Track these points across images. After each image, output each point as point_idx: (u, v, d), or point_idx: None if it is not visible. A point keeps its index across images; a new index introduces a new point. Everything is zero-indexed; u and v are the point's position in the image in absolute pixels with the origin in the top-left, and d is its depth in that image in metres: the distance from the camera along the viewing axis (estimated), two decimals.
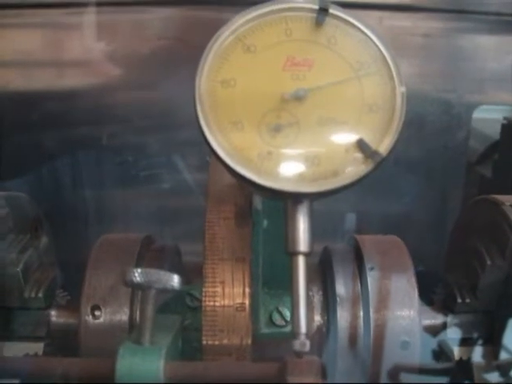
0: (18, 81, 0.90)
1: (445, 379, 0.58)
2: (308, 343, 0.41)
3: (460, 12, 0.93)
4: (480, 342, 0.59)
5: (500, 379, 0.55)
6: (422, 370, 0.56)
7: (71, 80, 0.90)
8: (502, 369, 0.55)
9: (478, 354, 0.58)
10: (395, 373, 0.55)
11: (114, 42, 0.90)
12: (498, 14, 0.92)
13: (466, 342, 0.59)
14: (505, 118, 0.85)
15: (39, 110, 0.88)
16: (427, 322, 0.59)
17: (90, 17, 0.88)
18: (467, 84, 0.93)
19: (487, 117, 0.93)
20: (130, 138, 0.92)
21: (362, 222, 0.88)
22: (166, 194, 0.95)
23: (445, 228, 0.93)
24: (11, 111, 0.88)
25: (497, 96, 0.94)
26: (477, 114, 0.92)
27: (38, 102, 0.89)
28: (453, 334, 0.60)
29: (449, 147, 0.93)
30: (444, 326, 0.60)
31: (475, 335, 0.60)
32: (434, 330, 0.60)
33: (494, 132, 0.87)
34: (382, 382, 0.55)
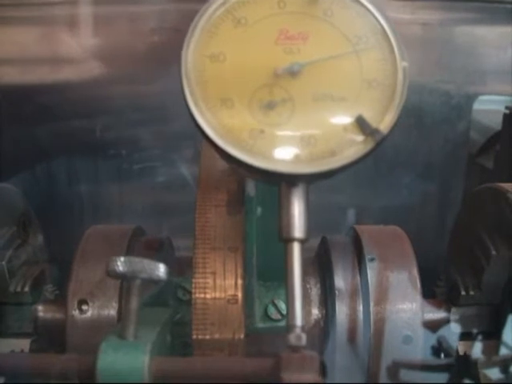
0: (11, 74, 0.88)
1: (446, 375, 0.56)
2: (304, 337, 0.39)
3: (459, 0, 0.91)
4: (485, 336, 0.57)
5: (501, 375, 0.53)
6: (423, 366, 0.55)
7: (64, 73, 0.88)
8: (503, 365, 0.53)
9: (482, 349, 0.56)
10: (395, 369, 0.53)
11: (108, 34, 0.88)
12: (498, 1, 0.90)
13: (471, 336, 0.58)
14: (507, 108, 0.83)
15: (32, 103, 0.86)
16: (430, 315, 0.57)
17: (83, 9, 0.86)
18: (467, 75, 0.91)
19: (488, 108, 0.91)
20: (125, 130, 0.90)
21: (361, 214, 0.87)
22: (161, 188, 0.93)
23: (446, 220, 0.92)
24: (4, 104, 0.86)
25: (497, 87, 0.92)
26: (477, 106, 0.90)
27: (31, 95, 0.86)
28: (456, 328, 0.58)
29: (449, 138, 0.91)
30: (447, 320, 0.58)
31: (480, 329, 0.58)
32: (436, 324, 0.57)
33: (495, 123, 0.85)
34: (382, 378, 0.53)
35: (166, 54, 0.86)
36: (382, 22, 0.42)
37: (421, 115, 0.89)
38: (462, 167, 0.93)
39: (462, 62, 0.91)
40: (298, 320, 0.39)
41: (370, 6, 0.43)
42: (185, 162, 0.89)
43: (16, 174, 0.84)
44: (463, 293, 0.58)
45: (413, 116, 0.88)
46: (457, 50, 0.91)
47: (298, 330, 0.39)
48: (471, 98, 0.90)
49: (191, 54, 0.41)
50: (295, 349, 0.38)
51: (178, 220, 0.88)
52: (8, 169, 0.80)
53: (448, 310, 0.58)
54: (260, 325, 0.54)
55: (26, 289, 0.58)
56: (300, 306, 0.39)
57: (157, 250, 0.60)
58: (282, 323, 0.54)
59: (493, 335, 0.57)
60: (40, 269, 0.62)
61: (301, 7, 0.43)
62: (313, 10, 0.43)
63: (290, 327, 0.39)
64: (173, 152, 0.91)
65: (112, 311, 0.54)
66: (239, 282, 0.47)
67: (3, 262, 0.57)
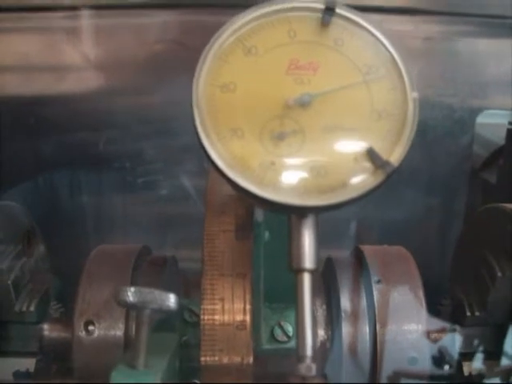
0: (13, 85, 0.88)
1: None
2: (314, 367, 0.39)
3: (462, 15, 0.91)
4: (490, 356, 0.57)
5: None
6: (425, 377, 0.54)
7: (68, 85, 0.88)
8: (503, 375, 0.53)
9: (488, 369, 0.56)
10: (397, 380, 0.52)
11: (112, 46, 0.88)
12: (500, 17, 0.90)
13: (476, 357, 0.57)
14: (510, 123, 0.83)
15: (35, 115, 0.86)
16: (435, 335, 0.57)
17: (87, 21, 0.86)
18: (470, 88, 0.91)
19: (491, 122, 0.91)
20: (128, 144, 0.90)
21: (363, 230, 0.86)
22: (165, 201, 0.93)
23: (448, 236, 0.91)
24: (7, 116, 0.85)
25: (500, 101, 0.92)
26: (481, 119, 0.90)
27: (34, 107, 0.86)
28: (461, 349, 0.57)
29: (452, 152, 0.91)
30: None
31: (485, 349, 0.57)
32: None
33: (498, 137, 0.85)
34: None
35: (168, 65, 0.86)
36: (392, 51, 0.42)
37: (424, 129, 0.89)
38: (465, 181, 0.92)
39: (465, 75, 0.91)
40: (309, 350, 0.39)
41: (379, 35, 0.43)
42: (189, 175, 0.89)
43: (19, 187, 0.84)
44: (468, 313, 0.57)
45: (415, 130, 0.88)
46: (459, 63, 0.91)
47: (308, 361, 0.39)
48: (474, 112, 0.90)
49: (202, 84, 0.41)
50: (305, 378, 0.38)
51: (181, 232, 0.88)
52: (11, 181, 0.80)
53: (453, 331, 0.58)
54: (266, 346, 0.53)
55: (32, 308, 0.57)
56: (310, 336, 0.39)
57: (162, 268, 0.60)
58: (289, 345, 0.53)
59: (498, 356, 0.57)
60: (45, 286, 0.61)
61: (311, 37, 0.43)
62: (323, 39, 0.43)
63: (300, 358, 0.39)
64: (176, 165, 0.90)
65: (119, 332, 0.53)
66: (247, 307, 0.47)
67: (9, 282, 0.57)
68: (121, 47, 0.89)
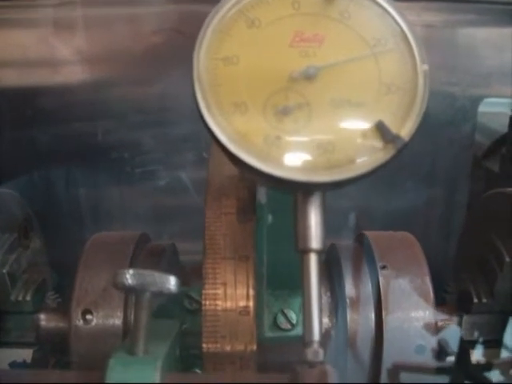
0: (10, 77, 0.86)
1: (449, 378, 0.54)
2: (321, 352, 0.37)
3: (463, 1, 0.90)
4: (497, 344, 0.56)
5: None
6: (426, 369, 0.53)
7: (65, 76, 0.87)
8: (503, 368, 0.53)
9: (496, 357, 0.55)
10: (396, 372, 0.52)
11: (109, 36, 0.87)
12: (502, 3, 0.89)
13: (483, 345, 0.56)
14: None
15: (32, 106, 0.85)
16: (442, 324, 0.56)
17: (82, 11, 0.85)
18: (472, 77, 0.90)
19: (493, 110, 0.90)
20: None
21: (365, 218, 0.86)
22: (162, 191, 0.92)
23: (451, 223, 0.91)
24: (3, 107, 0.84)
25: (502, 89, 0.91)
26: (483, 108, 0.89)
27: (32, 98, 0.85)
28: (468, 336, 0.56)
29: (454, 141, 0.90)
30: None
31: (492, 337, 0.57)
32: None
33: (500, 125, 0.84)
34: None
35: (166, 55, 0.85)
36: (401, 23, 0.41)
37: (425, 118, 0.88)
38: (468, 170, 0.91)
39: (467, 64, 0.90)
40: (316, 335, 0.37)
41: (388, 7, 0.41)
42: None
43: (17, 178, 0.83)
44: (475, 300, 0.57)
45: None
46: (461, 52, 0.90)
47: (315, 346, 0.37)
48: (476, 101, 0.89)
49: (203, 57, 0.39)
50: (312, 364, 0.37)
51: (179, 223, 0.87)
52: (8, 173, 0.79)
53: (460, 318, 0.57)
54: (269, 334, 0.52)
55: (28, 298, 0.57)
56: (317, 321, 0.38)
57: (161, 256, 0.59)
58: (292, 332, 0.52)
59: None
60: (42, 276, 0.61)
61: (316, 8, 0.41)
62: (329, 11, 0.41)
63: (306, 343, 0.37)
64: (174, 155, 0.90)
65: (117, 321, 0.52)
66: (251, 292, 0.46)
67: (4, 271, 0.56)
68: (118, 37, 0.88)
